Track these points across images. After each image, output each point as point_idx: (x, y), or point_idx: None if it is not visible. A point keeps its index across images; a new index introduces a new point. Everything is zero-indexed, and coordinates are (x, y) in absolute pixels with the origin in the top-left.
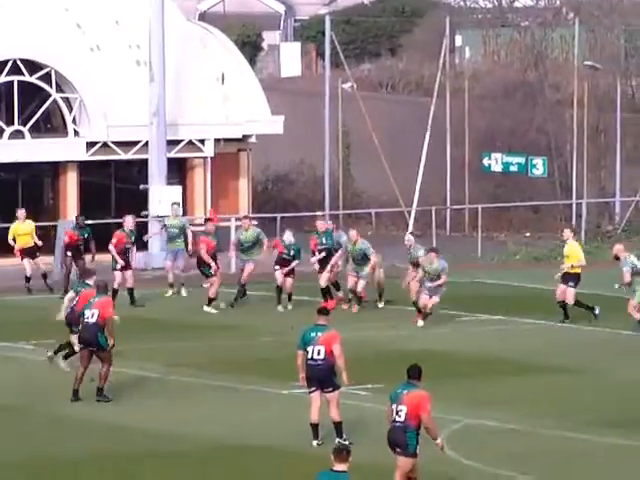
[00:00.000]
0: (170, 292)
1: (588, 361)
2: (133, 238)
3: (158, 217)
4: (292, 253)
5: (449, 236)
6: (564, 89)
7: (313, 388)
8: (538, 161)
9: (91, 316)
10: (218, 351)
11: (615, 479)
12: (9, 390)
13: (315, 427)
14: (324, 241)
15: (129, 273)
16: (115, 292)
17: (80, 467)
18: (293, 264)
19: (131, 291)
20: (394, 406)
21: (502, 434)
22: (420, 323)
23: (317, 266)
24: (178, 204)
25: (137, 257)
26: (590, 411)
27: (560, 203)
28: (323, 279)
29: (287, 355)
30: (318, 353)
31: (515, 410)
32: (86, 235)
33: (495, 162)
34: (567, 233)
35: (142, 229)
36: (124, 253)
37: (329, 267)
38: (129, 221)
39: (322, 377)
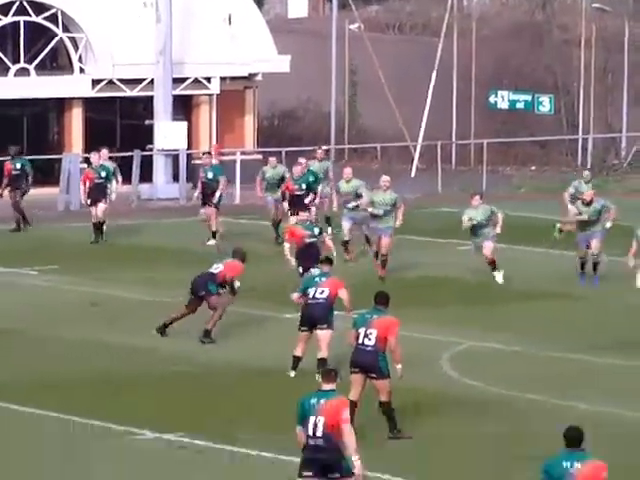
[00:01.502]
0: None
1: (592, 288)
2: (104, 173)
3: (163, 150)
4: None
5: (454, 170)
6: (572, 30)
7: (305, 328)
8: (545, 98)
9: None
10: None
11: (616, 396)
12: (15, 313)
13: (297, 360)
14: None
15: (100, 207)
16: (95, 225)
17: (79, 386)
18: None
19: (100, 225)
20: (362, 330)
21: (506, 356)
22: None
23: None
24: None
25: (143, 188)
26: (592, 334)
27: (566, 138)
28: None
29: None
30: (322, 293)
31: (520, 334)
32: (19, 166)
33: (501, 99)
34: None
35: (145, 163)
36: (97, 189)
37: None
38: (94, 157)
39: (319, 315)
